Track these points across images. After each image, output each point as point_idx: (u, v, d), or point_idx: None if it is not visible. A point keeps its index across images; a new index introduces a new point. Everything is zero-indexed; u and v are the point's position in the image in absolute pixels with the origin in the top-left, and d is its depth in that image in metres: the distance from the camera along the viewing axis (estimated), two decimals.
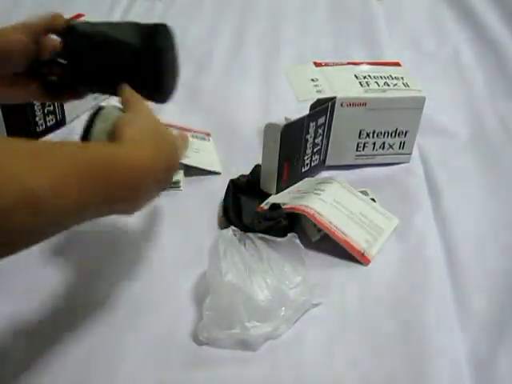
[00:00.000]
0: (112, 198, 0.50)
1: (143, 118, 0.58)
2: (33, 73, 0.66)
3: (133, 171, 0.52)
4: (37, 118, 0.88)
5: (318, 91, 0.81)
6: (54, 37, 0.65)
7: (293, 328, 0.64)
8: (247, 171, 0.80)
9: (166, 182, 0.60)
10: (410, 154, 0.88)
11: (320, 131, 0.81)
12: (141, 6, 1.30)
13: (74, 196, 0.45)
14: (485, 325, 0.66)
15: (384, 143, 0.86)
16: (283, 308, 0.63)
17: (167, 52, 0.64)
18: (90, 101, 0.96)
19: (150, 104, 0.62)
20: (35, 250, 0.72)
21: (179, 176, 0.82)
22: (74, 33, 0.64)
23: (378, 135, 0.85)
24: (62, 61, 0.65)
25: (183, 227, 0.77)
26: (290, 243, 0.69)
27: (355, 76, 0.85)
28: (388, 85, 0.83)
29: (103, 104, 0.61)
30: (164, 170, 0.57)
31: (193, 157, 0.85)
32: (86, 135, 0.58)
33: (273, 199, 0.77)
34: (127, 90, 0.61)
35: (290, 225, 0.73)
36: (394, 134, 0.85)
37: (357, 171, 0.86)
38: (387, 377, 0.60)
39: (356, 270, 0.71)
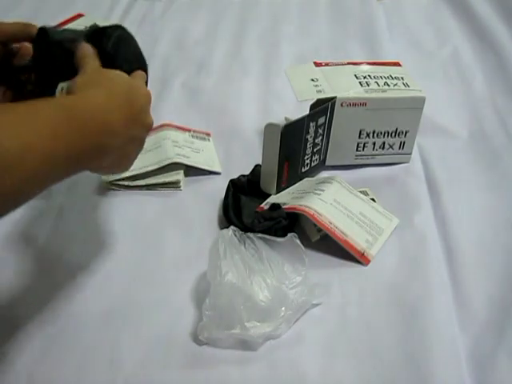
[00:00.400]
0: (84, 146, 0.51)
1: (91, 71, 0.58)
2: (1, 78, 0.66)
3: (93, 114, 0.52)
4: None
5: (318, 91, 0.81)
6: (27, 44, 0.65)
7: (293, 328, 0.64)
8: (247, 171, 0.80)
9: (138, 121, 0.58)
10: (410, 154, 0.88)
11: (320, 131, 0.81)
12: (141, 6, 1.30)
13: (46, 150, 0.46)
14: (485, 325, 0.66)
15: (384, 143, 0.86)
16: (283, 308, 0.63)
17: (117, 52, 0.64)
18: None
19: None
20: (35, 244, 0.72)
21: (179, 176, 0.82)
22: (44, 38, 0.64)
23: (378, 135, 0.85)
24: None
25: (183, 227, 0.77)
26: (290, 243, 0.69)
27: (355, 76, 0.85)
28: (388, 85, 0.83)
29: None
30: (127, 107, 0.56)
31: (193, 157, 0.85)
32: None
33: (273, 199, 0.77)
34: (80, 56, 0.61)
35: (290, 225, 0.73)
36: (394, 134, 0.85)
37: (357, 171, 0.86)
38: (387, 377, 0.60)
39: (356, 270, 0.71)
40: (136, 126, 0.58)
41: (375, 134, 0.84)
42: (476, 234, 0.77)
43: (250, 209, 0.75)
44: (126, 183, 0.80)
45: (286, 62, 1.11)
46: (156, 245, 0.74)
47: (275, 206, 0.74)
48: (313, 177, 0.84)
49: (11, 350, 0.61)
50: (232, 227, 0.68)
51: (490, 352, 0.63)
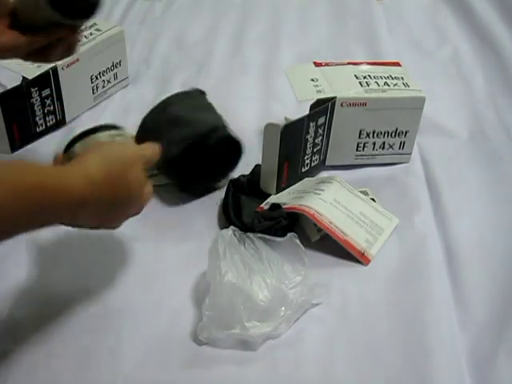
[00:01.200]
0: (40, 219, 0.51)
1: (109, 151, 0.57)
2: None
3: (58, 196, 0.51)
4: (37, 118, 0.88)
5: (318, 91, 0.81)
6: None
7: (292, 328, 0.64)
8: (247, 171, 0.80)
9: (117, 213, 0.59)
10: (410, 154, 0.88)
11: (320, 131, 0.81)
12: (141, 6, 1.30)
13: (5, 214, 0.47)
14: (485, 325, 0.66)
15: (384, 143, 0.86)
16: (283, 308, 0.63)
17: None
18: (91, 102, 0.96)
19: None
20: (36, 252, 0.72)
21: None
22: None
23: (378, 135, 0.85)
24: None
25: (183, 227, 0.76)
26: (289, 243, 0.68)
27: (355, 76, 0.85)
28: (388, 85, 0.83)
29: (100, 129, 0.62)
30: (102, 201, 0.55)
31: None
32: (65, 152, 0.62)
33: (273, 199, 0.77)
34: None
35: (290, 225, 0.73)
36: (394, 134, 0.85)
37: (357, 171, 0.86)
38: (387, 377, 0.60)
39: (356, 270, 0.71)
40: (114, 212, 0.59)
41: (375, 134, 0.84)
42: (476, 234, 0.77)
43: (250, 209, 0.75)
44: None
45: (285, 62, 1.11)
46: (156, 244, 0.74)
47: (275, 206, 0.73)
48: (313, 177, 0.84)
49: (11, 350, 0.61)
50: (232, 227, 0.68)
51: (490, 352, 0.63)
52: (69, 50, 0.68)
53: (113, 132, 0.62)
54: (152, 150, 0.62)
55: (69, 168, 0.55)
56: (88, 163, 0.54)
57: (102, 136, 0.61)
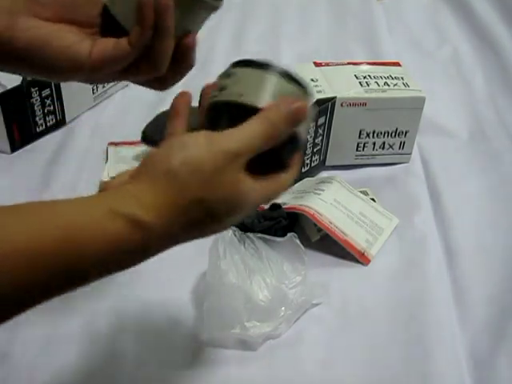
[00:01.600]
0: (69, 278, 0.41)
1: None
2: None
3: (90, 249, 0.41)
4: (37, 118, 0.88)
5: (318, 91, 0.81)
6: None
7: (292, 328, 0.64)
8: None
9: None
10: (410, 154, 0.88)
11: (320, 131, 0.81)
12: None
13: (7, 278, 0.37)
14: (484, 325, 0.66)
15: (384, 143, 0.86)
16: (283, 308, 0.63)
17: None
18: (91, 102, 0.96)
19: None
20: None
21: None
22: None
23: (378, 135, 0.85)
24: None
25: None
26: (289, 243, 0.68)
27: (355, 76, 0.85)
28: (388, 85, 0.83)
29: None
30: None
31: None
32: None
33: None
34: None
35: (289, 225, 0.73)
36: (394, 134, 0.85)
37: (357, 171, 0.86)
38: (387, 376, 0.60)
39: (356, 270, 0.71)
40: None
41: (375, 134, 0.84)
42: (476, 234, 0.77)
43: None
44: None
45: (285, 62, 1.11)
46: None
47: (275, 206, 0.73)
48: (313, 177, 0.84)
49: (12, 347, 0.61)
50: (232, 227, 0.68)
51: (490, 352, 0.63)
52: (186, 56, 0.53)
53: (287, 84, 0.45)
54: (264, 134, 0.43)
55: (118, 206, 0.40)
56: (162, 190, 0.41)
57: (275, 81, 0.46)
